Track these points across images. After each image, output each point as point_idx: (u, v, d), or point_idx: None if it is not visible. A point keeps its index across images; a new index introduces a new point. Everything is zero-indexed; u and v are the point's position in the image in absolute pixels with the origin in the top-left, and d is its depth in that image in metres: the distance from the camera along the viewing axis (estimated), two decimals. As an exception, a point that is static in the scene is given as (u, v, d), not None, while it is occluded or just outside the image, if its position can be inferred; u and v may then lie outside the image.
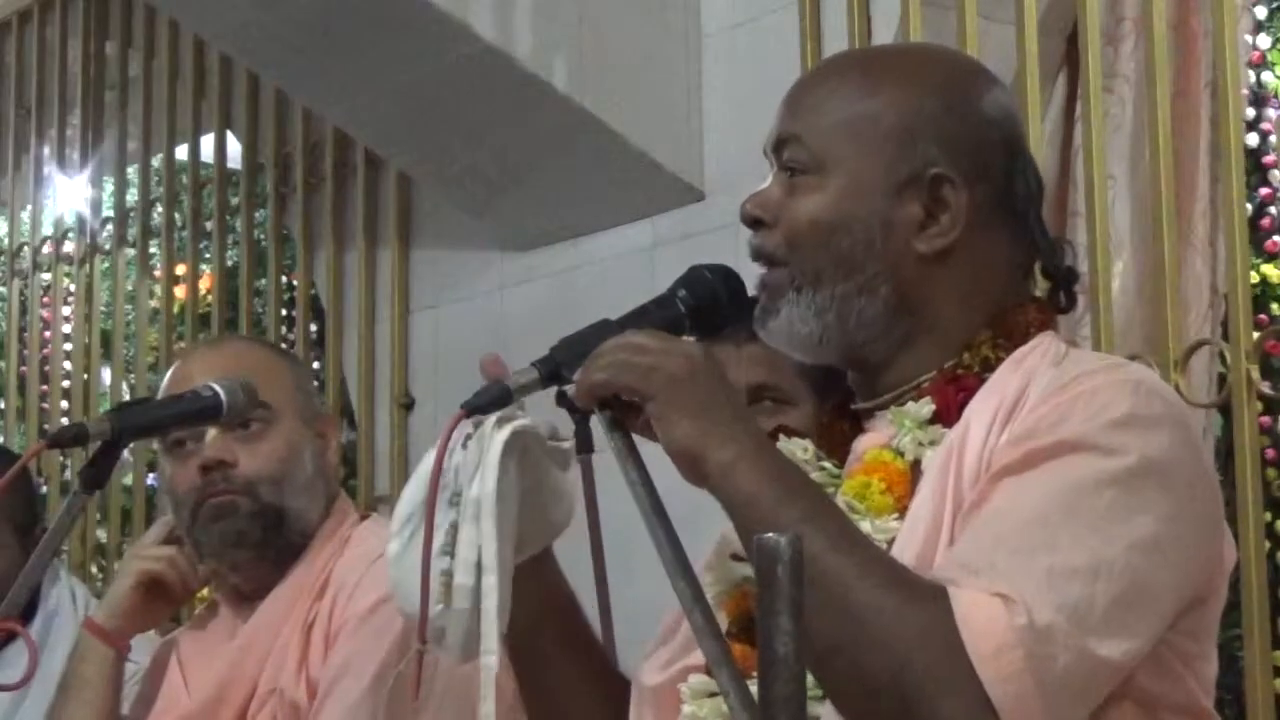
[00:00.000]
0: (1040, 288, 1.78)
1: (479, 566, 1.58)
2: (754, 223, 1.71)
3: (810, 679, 1.46)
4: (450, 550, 1.59)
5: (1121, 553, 1.49)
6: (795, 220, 1.68)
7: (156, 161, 5.34)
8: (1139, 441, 1.53)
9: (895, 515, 1.61)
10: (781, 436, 1.75)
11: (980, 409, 1.61)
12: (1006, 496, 1.53)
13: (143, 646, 2.64)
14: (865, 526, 1.59)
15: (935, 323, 1.67)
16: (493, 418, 1.60)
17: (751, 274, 1.72)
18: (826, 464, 1.72)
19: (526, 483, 1.63)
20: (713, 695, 1.64)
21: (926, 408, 1.64)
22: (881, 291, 1.66)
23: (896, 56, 1.93)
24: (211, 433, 2.44)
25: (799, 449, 1.73)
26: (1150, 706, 1.56)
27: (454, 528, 1.59)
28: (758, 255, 1.71)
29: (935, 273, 1.67)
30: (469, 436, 1.61)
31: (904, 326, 1.67)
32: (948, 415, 1.63)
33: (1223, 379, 3.05)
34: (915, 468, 1.63)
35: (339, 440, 2.61)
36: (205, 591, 2.79)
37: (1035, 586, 1.46)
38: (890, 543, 1.59)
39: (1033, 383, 1.61)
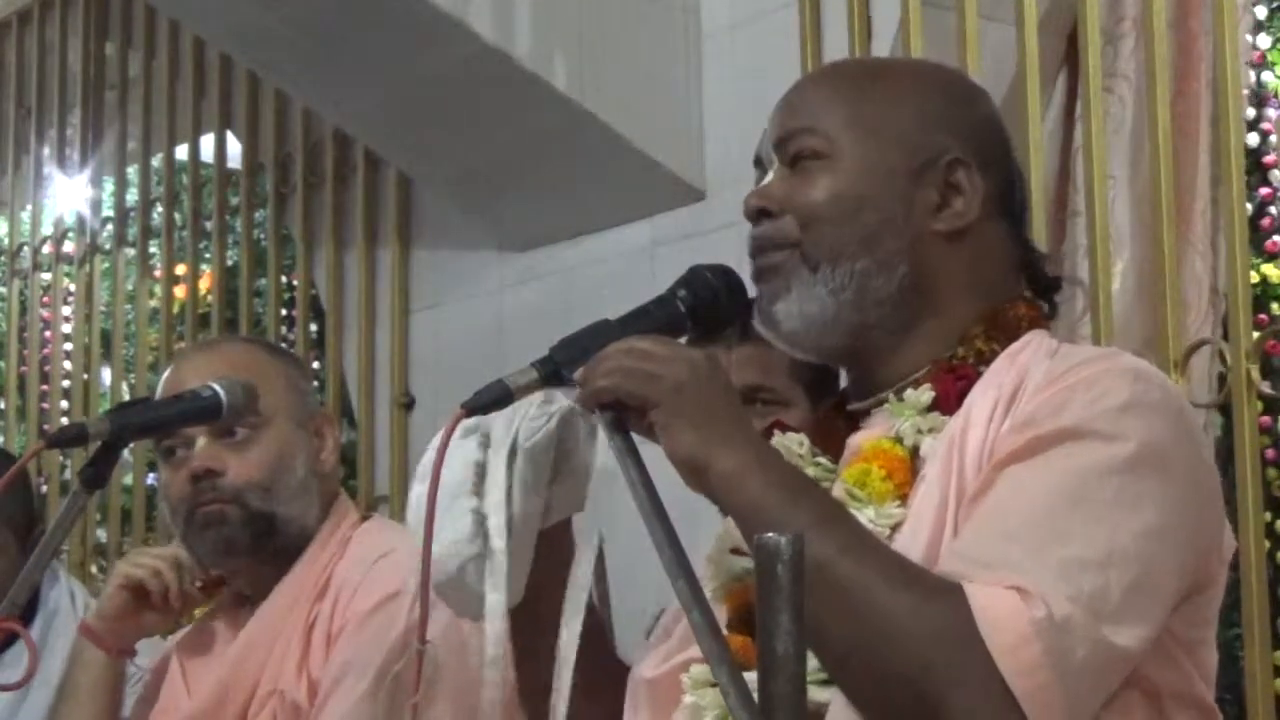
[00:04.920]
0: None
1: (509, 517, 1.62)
2: (759, 214, 1.70)
3: (810, 666, 1.46)
4: (479, 490, 1.61)
5: (1131, 541, 1.50)
6: (811, 200, 1.68)
7: (156, 161, 5.35)
8: (1140, 428, 1.54)
9: (896, 502, 1.61)
10: (776, 432, 1.75)
11: (979, 400, 1.62)
12: (1011, 486, 1.53)
13: (148, 649, 2.64)
14: (867, 514, 1.60)
15: (939, 307, 1.68)
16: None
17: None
18: (822, 459, 1.72)
19: (566, 448, 1.66)
20: (714, 685, 1.63)
21: (926, 395, 1.65)
22: (899, 270, 1.67)
23: (897, 61, 1.95)
24: (201, 441, 2.44)
25: (794, 444, 1.73)
26: (1154, 695, 1.57)
27: (480, 467, 1.61)
28: (761, 244, 1.70)
29: (948, 254, 1.68)
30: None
31: (911, 309, 1.68)
32: (947, 402, 1.64)
33: (1223, 379, 3.05)
34: (914, 455, 1.63)
35: (337, 438, 2.61)
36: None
37: (1050, 578, 1.46)
38: (893, 529, 1.60)
39: (1029, 374, 1.62)
